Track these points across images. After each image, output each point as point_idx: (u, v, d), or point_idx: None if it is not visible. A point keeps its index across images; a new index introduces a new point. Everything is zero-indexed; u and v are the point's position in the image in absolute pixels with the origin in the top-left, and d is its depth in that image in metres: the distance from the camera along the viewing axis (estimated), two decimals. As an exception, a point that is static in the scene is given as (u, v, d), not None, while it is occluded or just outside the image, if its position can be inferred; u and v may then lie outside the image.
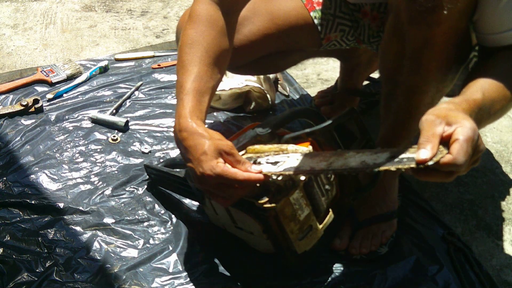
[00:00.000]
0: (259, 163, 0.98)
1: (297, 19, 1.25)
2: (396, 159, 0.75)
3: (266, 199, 0.96)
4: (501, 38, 0.92)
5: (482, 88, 0.85)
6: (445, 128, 0.74)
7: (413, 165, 0.71)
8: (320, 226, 1.06)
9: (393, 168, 0.73)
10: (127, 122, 1.52)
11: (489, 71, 0.90)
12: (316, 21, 1.25)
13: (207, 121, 1.54)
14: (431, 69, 0.96)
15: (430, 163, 0.70)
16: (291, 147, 1.01)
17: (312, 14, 1.25)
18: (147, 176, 1.34)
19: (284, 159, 0.96)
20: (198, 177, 0.93)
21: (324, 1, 1.25)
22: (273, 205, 0.96)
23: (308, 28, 1.26)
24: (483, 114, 0.84)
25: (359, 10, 1.25)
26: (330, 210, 1.08)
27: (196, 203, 1.27)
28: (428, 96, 1.00)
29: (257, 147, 1.04)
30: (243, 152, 1.04)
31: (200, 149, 0.92)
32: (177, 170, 1.20)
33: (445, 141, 0.73)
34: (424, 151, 0.71)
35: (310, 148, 1.01)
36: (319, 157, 0.90)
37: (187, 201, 1.29)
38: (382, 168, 0.75)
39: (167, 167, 1.29)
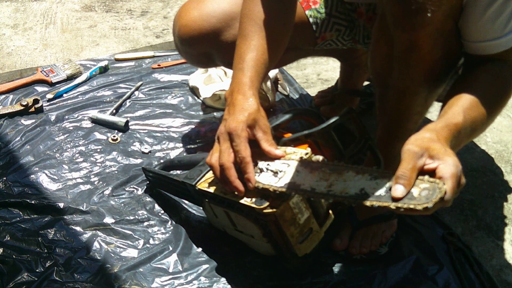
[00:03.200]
0: (261, 169, 0.98)
1: None
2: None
3: (266, 204, 0.96)
4: (484, 47, 0.92)
5: (463, 108, 0.86)
6: (427, 161, 0.76)
7: (412, 206, 0.72)
8: (321, 229, 1.06)
9: (392, 206, 0.74)
10: (127, 122, 1.52)
11: (470, 87, 0.89)
12: (311, 20, 1.25)
13: (207, 122, 1.55)
14: (420, 71, 0.96)
15: (430, 205, 0.71)
16: (289, 149, 1.01)
17: (307, 12, 1.25)
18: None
19: (284, 168, 0.96)
20: (223, 128, 0.96)
21: (320, 0, 1.25)
22: (273, 210, 0.96)
23: (302, 26, 1.25)
24: (463, 137, 0.85)
25: (355, 11, 1.25)
26: (330, 211, 1.08)
27: (196, 203, 1.28)
28: (420, 97, 1.00)
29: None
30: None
31: (244, 111, 0.96)
32: (176, 173, 1.20)
33: (425, 173, 0.75)
34: (399, 188, 0.74)
35: (309, 150, 1.01)
36: (319, 173, 0.90)
37: (187, 201, 1.29)
38: (383, 204, 0.75)
39: (165, 169, 1.29)
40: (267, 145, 0.97)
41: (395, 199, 0.74)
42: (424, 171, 0.76)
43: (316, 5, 1.25)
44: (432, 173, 0.75)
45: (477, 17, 0.89)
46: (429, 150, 0.76)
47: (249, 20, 1.04)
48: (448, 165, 0.74)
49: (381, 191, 0.77)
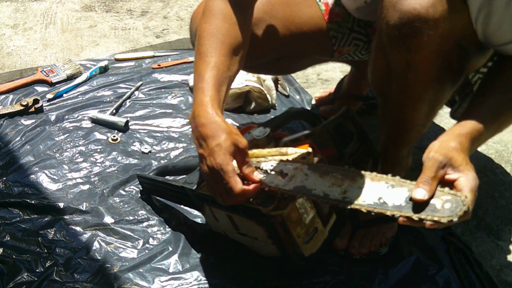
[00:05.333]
0: (265, 171, 0.97)
1: (312, 28, 1.22)
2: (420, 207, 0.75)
3: (272, 205, 0.95)
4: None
5: (486, 114, 0.86)
6: (448, 171, 0.77)
7: (436, 218, 0.71)
8: (325, 228, 1.05)
9: (415, 217, 0.73)
10: (127, 122, 1.52)
11: (498, 86, 0.89)
12: (331, 33, 1.23)
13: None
14: (418, 90, 0.95)
15: (455, 219, 0.71)
16: (290, 150, 1.00)
17: (328, 25, 1.23)
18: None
19: (290, 170, 0.94)
20: (208, 167, 0.92)
21: (343, 13, 1.23)
22: (280, 212, 0.95)
23: (321, 38, 1.24)
24: (481, 142, 0.87)
25: (370, 26, 1.24)
26: (333, 210, 1.08)
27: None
28: (420, 112, 1.00)
29: (255, 151, 1.03)
30: None
31: (216, 140, 0.91)
32: (174, 179, 1.19)
33: (444, 183, 0.76)
34: (420, 192, 0.74)
35: (310, 150, 1.01)
36: (331, 178, 0.88)
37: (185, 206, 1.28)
38: (405, 214, 0.74)
39: (159, 175, 1.28)
40: (247, 170, 0.94)
41: (417, 207, 0.73)
42: (444, 181, 0.76)
43: (338, 18, 1.23)
44: (450, 183, 0.76)
45: (500, 19, 0.87)
46: (452, 160, 0.77)
47: (208, 35, 1.01)
48: (468, 179, 0.75)
49: (401, 201, 0.76)
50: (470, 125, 0.85)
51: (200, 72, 0.99)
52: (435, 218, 0.71)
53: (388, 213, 0.76)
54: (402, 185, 0.79)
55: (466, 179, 0.75)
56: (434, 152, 0.78)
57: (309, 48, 1.26)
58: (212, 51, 0.99)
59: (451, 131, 0.84)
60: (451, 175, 0.77)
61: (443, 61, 0.91)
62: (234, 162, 0.93)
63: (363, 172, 0.85)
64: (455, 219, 0.71)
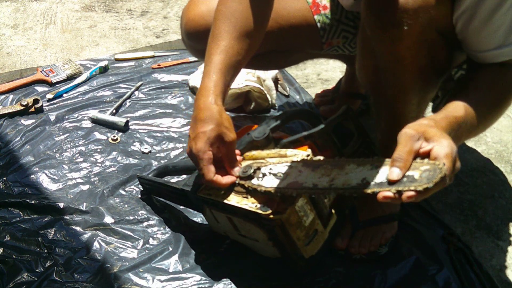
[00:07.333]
0: (264, 174, 0.97)
1: (300, 21, 1.24)
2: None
3: (271, 209, 0.95)
4: (487, 56, 0.92)
5: (464, 105, 0.86)
6: (423, 144, 0.76)
7: (412, 187, 0.72)
8: (325, 229, 1.05)
9: (393, 190, 0.74)
10: (127, 122, 1.52)
11: (473, 86, 0.90)
12: (319, 25, 1.24)
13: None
14: (406, 81, 0.96)
15: (430, 185, 0.71)
16: (290, 151, 1.00)
17: (316, 17, 1.24)
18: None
19: (285, 170, 0.95)
20: (189, 147, 0.98)
21: (331, 5, 1.24)
22: (279, 216, 0.95)
23: (310, 31, 1.25)
24: (463, 131, 0.85)
25: (360, 18, 1.24)
26: (333, 211, 1.08)
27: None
28: (411, 104, 1.00)
29: (255, 153, 1.03)
30: (240, 158, 1.03)
31: (204, 127, 0.96)
32: (174, 180, 1.19)
33: (422, 156, 0.76)
34: (394, 171, 0.74)
35: (309, 151, 1.01)
36: (321, 170, 0.89)
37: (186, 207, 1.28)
38: (384, 190, 0.75)
39: (160, 175, 1.28)
40: (229, 165, 0.99)
41: (392, 182, 0.73)
42: (420, 155, 0.76)
43: (326, 10, 1.24)
44: (428, 156, 0.76)
45: (479, 27, 0.89)
46: (425, 133, 0.77)
47: (223, 17, 1.03)
48: (442, 146, 0.74)
49: (382, 179, 0.77)
50: (446, 112, 0.85)
51: (210, 54, 1.01)
52: (412, 188, 0.72)
53: (369, 191, 0.77)
54: (386, 164, 0.79)
55: (440, 147, 0.75)
56: (406, 128, 0.78)
57: (299, 41, 1.26)
58: (224, 34, 1.01)
59: (425, 117, 0.85)
60: (425, 147, 0.76)
61: (428, 51, 0.93)
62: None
63: (351, 159, 0.86)
64: (431, 185, 0.71)
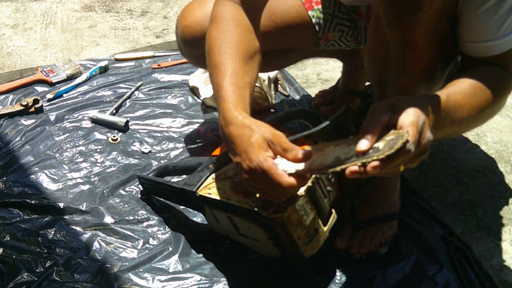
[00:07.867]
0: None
1: (295, 17, 1.24)
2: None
3: (272, 208, 0.95)
4: (478, 48, 0.92)
5: (447, 91, 0.86)
6: (391, 116, 0.76)
7: (375, 157, 0.71)
8: (325, 228, 1.06)
9: (358, 163, 0.74)
10: (127, 122, 1.52)
11: (460, 81, 0.90)
12: (314, 20, 1.25)
13: (207, 122, 1.55)
14: (417, 70, 0.96)
15: (392, 151, 0.70)
16: None
17: (310, 13, 1.25)
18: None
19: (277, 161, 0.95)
20: (246, 171, 0.86)
21: (323, 0, 1.25)
22: (280, 214, 0.95)
23: (305, 27, 1.25)
24: (446, 117, 0.84)
25: (356, 11, 1.25)
26: (333, 210, 1.08)
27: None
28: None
29: None
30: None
31: (247, 140, 0.86)
32: (174, 180, 1.18)
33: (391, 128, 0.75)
34: (362, 142, 0.74)
35: None
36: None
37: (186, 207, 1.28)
38: (350, 164, 0.75)
39: (160, 175, 1.28)
40: (291, 154, 0.86)
41: (359, 153, 0.73)
42: (390, 127, 0.76)
43: (318, 5, 1.25)
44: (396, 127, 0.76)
45: (471, 17, 0.90)
46: (395, 106, 0.77)
47: (221, 44, 0.97)
48: (408, 115, 0.74)
49: (353, 155, 0.76)
50: (431, 95, 0.85)
51: (217, 82, 0.94)
52: (374, 157, 0.71)
53: (337, 169, 0.76)
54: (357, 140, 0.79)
55: (405, 115, 0.74)
56: (378, 102, 0.78)
57: (295, 38, 1.26)
58: (228, 58, 0.96)
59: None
60: (393, 120, 0.76)
61: (439, 40, 0.93)
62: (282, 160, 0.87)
63: (331, 142, 0.86)
64: (392, 151, 0.70)
